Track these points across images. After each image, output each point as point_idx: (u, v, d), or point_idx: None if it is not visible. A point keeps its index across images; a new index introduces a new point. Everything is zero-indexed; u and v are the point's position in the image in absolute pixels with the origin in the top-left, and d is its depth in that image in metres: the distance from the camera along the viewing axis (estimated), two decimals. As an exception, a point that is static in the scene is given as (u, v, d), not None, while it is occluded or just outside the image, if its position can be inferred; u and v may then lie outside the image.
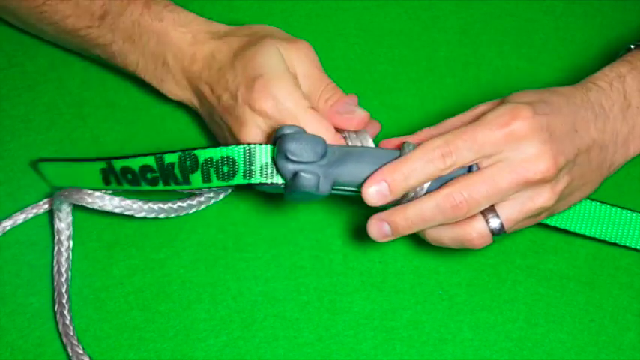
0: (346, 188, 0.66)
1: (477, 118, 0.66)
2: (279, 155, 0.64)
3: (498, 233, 0.66)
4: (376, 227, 0.67)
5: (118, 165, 0.71)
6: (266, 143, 0.67)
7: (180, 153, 0.68)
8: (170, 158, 0.68)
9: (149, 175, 0.69)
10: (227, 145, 0.68)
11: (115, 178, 0.72)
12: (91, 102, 0.80)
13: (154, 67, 0.75)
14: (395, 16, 0.86)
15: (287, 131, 0.64)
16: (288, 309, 0.72)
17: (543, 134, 0.64)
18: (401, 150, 0.66)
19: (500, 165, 0.64)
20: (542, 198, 0.65)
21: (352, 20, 0.86)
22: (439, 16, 0.86)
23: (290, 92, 0.67)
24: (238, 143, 0.68)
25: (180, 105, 0.80)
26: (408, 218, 0.65)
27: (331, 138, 0.67)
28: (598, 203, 0.72)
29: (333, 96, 0.70)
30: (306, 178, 0.63)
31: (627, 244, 0.73)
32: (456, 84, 0.83)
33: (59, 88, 0.81)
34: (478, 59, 0.84)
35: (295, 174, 0.63)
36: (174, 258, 0.74)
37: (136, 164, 0.70)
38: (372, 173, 0.65)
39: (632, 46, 0.72)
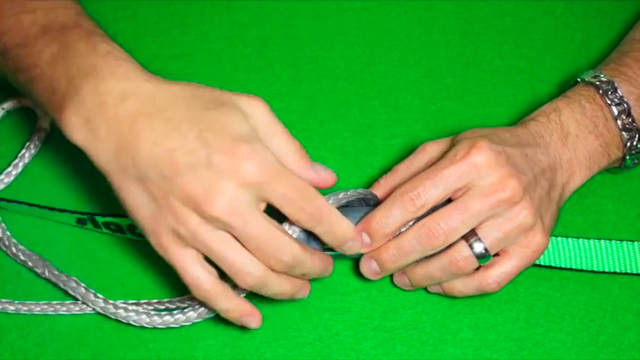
0: None
1: (425, 156, 0.71)
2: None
3: (483, 256, 0.67)
4: (366, 265, 0.70)
5: (101, 220, 0.71)
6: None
7: None
8: None
9: (138, 231, 0.66)
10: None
11: (93, 226, 0.72)
12: (91, 102, 0.80)
13: (58, 85, 0.62)
14: (395, 16, 0.86)
15: None
16: (288, 309, 0.72)
17: (502, 159, 0.67)
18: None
19: (470, 192, 0.67)
20: (521, 214, 0.67)
21: (352, 20, 0.86)
22: (439, 16, 0.86)
23: (272, 154, 0.62)
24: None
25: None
26: (389, 252, 0.69)
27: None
28: (583, 239, 0.74)
29: (300, 151, 0.65)
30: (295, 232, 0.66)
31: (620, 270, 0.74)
32: (455, 84, 0.83)
33: (59, 88, 0.81)
34: (478, 59, 0.84)
35: None
36: (175, 258, 0.74)
37: (124, 222, 0.70)
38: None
39: (578, 79, 0.75)
